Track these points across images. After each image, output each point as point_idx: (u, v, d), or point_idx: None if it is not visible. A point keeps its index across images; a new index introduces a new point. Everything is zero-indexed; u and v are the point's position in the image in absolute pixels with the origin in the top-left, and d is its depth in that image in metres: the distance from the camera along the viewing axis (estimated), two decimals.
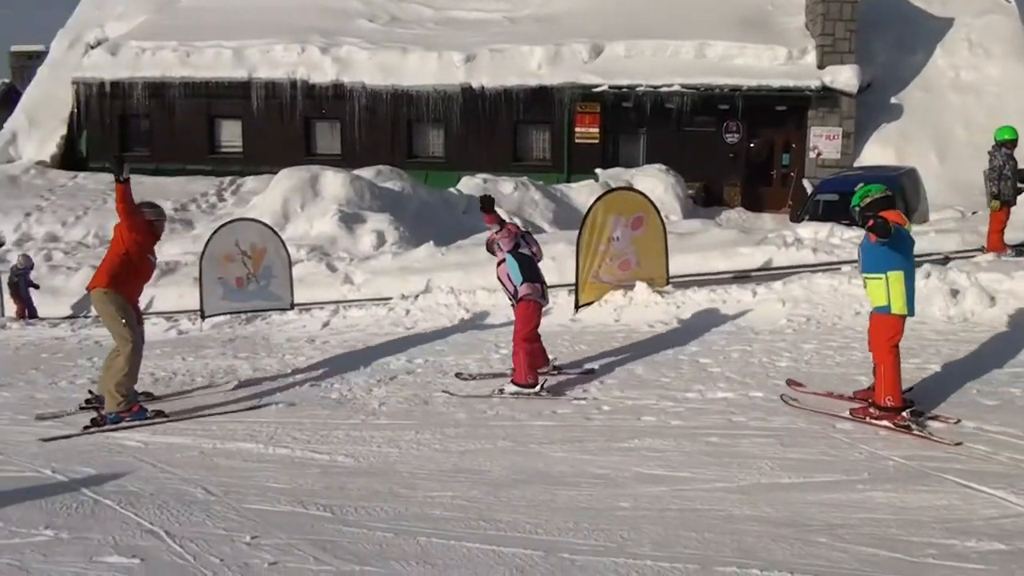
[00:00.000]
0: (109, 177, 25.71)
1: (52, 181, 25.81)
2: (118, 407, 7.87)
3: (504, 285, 8.31)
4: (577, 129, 27.56)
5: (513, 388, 8.16)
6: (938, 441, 6.52)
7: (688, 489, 5.93)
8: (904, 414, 6.81)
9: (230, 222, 14.61)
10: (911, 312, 6.86)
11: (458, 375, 9.04)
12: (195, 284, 13.91)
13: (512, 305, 8.32)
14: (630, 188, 15.49)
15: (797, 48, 26.65)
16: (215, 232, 13.84)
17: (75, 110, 29.07)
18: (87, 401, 8.44)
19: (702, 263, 13.00)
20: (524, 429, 7.36)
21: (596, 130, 27.50)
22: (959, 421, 6.89)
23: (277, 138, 27.89)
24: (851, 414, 7.11)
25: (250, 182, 25.18)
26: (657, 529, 5.31)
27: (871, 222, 6.44)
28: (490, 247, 8.50)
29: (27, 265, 16.67)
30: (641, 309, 11.32)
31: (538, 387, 8.08)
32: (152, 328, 12.97)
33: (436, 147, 28.60)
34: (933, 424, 6.87)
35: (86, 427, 7.85)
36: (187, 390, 9.28)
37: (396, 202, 20.74)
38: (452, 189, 23.09)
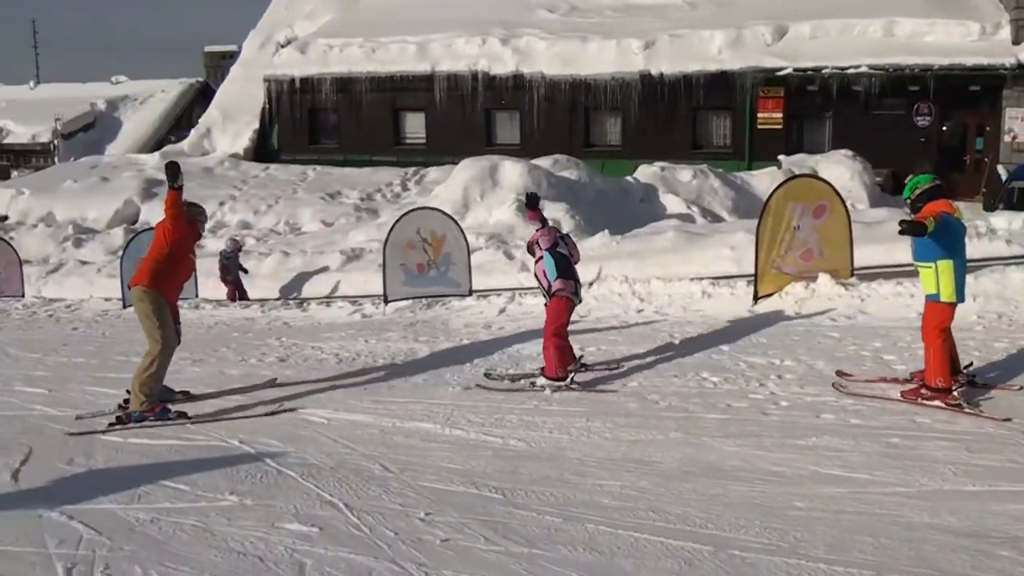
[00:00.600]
0: (301, 168, 27.06)
1: (245, 173, 27.32)
2: (141, 406, 7.92)
3: (540, 282, 8.48)
4: (759, 114, 26.80)
5: (543, 381, 8.28)
6: (988, 417, 6.75)
7: (866, 492, 5.68)
8: (954, 393, 7.02)
9: (412, 211, 15.08)
10: (960, 299, 7.05)
11: (486, 374, 8.97)
12: (379, 270, 14.42)
13: (545, 304, 8.49)
14: (813, 176, 14.93)
15: (990, 23, 24.93)
16: (398, 220, 14.32)
17: (266, 106, 30.65)
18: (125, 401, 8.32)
19: (888, 254, 12.38)
20: (697, 421, 7.25)
21: (779, 115, 26.65)
22: (1022, 388, 7.23)
23: (458, 129, 28.49)
24: (902, 396, 7.31)
25: (432, 172, 25.85)
26: (832, 532, 5.11)
27: (902, 226, 6.71)
28: (530, 247, 8.68)
29: (235, 248, 17.36)
30: (823, 301, 10.92)
31: (568, 379, 8.21)
32: (337, 312, 13.61)
33: (613, 135, 28.49)
34: (993, 392, 7.18)
35: (111, 424, 7.88)
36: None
37: (572, 191, 20.81)
38: (628, 178, 22.93)
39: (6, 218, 26.04)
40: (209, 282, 16.23)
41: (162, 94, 42.56)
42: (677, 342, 9.80)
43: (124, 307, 15.14)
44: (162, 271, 7.96)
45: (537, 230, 8.43)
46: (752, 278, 11.43)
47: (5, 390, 9.63)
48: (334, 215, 22.89)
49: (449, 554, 5.03)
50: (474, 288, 13.89)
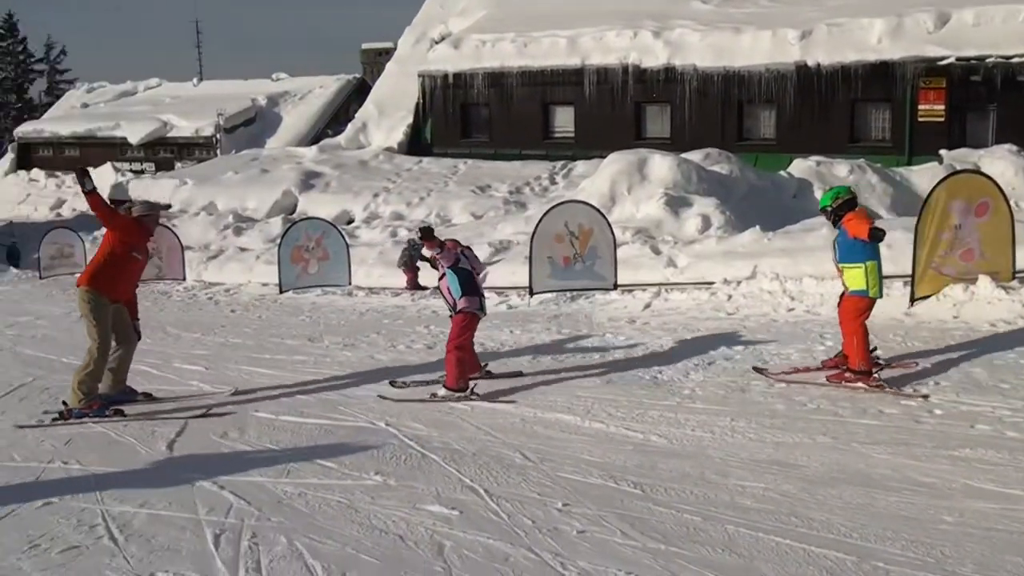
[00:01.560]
0: (452, 162, 27.54)
1: (399, 166, 28.00)
2: (79, 403, 8.02)
3: (445, 298, 8.62)
4: (920, 106, 25.55)
5: (444, 392, 8.26)
6: (909, 395, 7.60)
7: (1020, 509, 5.36)
8: (875, 375, 7.85)
9: (560, 204, 15.12)
10: (881, 295, 7.98)
11: (391, 383, 8.90)
12: (525, 262, 14.54)
13: (450, 316, 8.58)
14: (976, 171, 14.17)
15: None
16: (546, 213, 14.40)
17: (420, 101, 31.29)
18: (145, 395, 8.72)
19: None
20: (846, 426, 7.01)
21: (941, 107, 25.33)
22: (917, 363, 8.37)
23: (608, 123, 28.37)
24: (828, 379, 8.05)
25: (580, 166, 25.84)
26: (982, 549, 4.86)
27: (872, 234, 7.47)
28: (433, 263, 8.80)
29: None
30: (983, 305, 10.37)
31: (468, 390, 8.22)
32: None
33: (767, 129, 27.76)
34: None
35: (54, 419, 8.04)
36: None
37: (723, 186, 20.42)
38: (782, 172, 22.32)
39: (170, 206, 27.49)
40: (361, 270, 16.73)
41: (320, 90, 44.13)
42: (828, 343, 9.50)
43: (281, 292, 15.79)
44: (103, 272, 8.11)
45: (436, 254, 8.39)
46: (909, 279, 10.95)
47: (165, 367, 10.24)
48: (483, 208, 23.20)
49: (585, 546, 5.04)
50: (619, 282, 13.83)
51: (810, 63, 26.05)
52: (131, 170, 42.21)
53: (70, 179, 43.72)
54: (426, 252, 8.74)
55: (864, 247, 7.76)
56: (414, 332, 11.68)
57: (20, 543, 5.47)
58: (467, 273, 8.42)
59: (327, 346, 11.09)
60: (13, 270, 22.48)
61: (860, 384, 7.80)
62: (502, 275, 15.62)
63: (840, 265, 8.06)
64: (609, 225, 14.25)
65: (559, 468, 6.28)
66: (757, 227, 15.71)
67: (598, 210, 14.71)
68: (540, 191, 24.60)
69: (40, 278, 20.04)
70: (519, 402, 8.01)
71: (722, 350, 9.66)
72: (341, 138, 32.19)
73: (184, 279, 18.51)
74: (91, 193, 7.98)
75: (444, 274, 8.46)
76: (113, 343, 8.26)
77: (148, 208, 8.66)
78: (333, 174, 27.22)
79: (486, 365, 9.00)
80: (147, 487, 6.31)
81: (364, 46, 58.45)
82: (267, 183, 27.08)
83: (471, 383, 8.34)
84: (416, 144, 31.33)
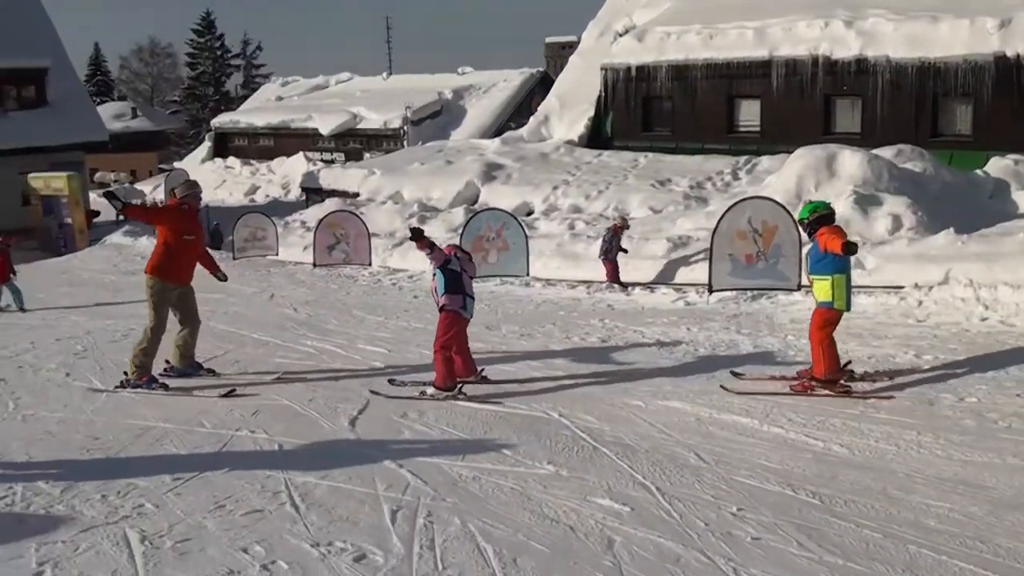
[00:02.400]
0: (632, 155, 27.34)
1: (578, 159, 28.01)
2: (133, 375, 8.95)
3: (434, 298, 8.79)
4: None
5: (432, 390, 8.41)
6: (875, 396, 7.85)
7: None
8: (841, 381, 8.07)
9: (744, 199, 14.78)
10: (848, 308, 8.19)
11: (390, 381, 8.97)
12: (705, 258, 14.31)
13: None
14: None
15: None
16: (729, 209, 14.10)
17: (602, 94, 31.16)
18: (209, 371, 9.45)
19: None
20: None
21: None
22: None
23: (795, 117, 27.44)
24: (792, 389, 8.15)
25: (765, 161, 25.12)
26: None
27: (846, 248, 7.49)
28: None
29: (622, 227, 16.77)
30: None
31: (456, 390, 8.34)
32: (661, 298, 13.70)
33: (963, 124, 26.08)
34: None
35: (116, 387, 8.94)
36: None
37: (916, 184, 19.37)
38: (978, 171, 20.97)
39: (358, 195, 28.56)
40: (539, 261, 16.89)
41: (504, 83, 44.78)
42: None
43: None
44: (163, 262, 8.96)
45: (428, 254, 8.52)
46: None
47: (350, 347, 10.68)
48: (663, 202, 22.91)
49: (759, 553, 4.93)
50: (803, 283, 13.39)
51: (1009, 53, 24.28)
52: (322, 160, 44.23)
53: (264, 167, 46.28)
54: (418, 251, 8.91)
55: (833, 260, 7.95)
56: (588, 325, 11.70)
57: (206, 503, 5.86)
58: (454, 274, 8.54)
59: (504, 334, 11.27)
60: (209, 251, 24.04)
61: (827, 392, 7.99)
62: (680, 271, 15.42)
63: (810, 276, 8.33)
64: (795, 223, 13.79)
65: (735, 471, 6.16)
66: (951, 229, 14.86)
67: (784, 207, 14.28)
68: (722, 186, 24.06)
69: (233, 259, 21.23)
70: (695, 401, 7.90)
71: (910, 358, 9.22)
72: (523, 131, 32.52)
73: (370, 264, 19.21)
74: (125, 207, 9.06)
75: (434, 274, 8.66)
76: (179, 324, 9.22)
77: (189, 188, 9.40)
78: (514, 166, 27.55)
79: (482, 370, 8.97)
80: (329, 460, 6.63)
81: (548, 40, 58.91)
82: (451, 174, 27.69)
83: (460, 384, 8.43)
84: (596, 137, 31.26)
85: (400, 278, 17.40)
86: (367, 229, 19.98)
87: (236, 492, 6.04)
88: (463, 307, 8.54)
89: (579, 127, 31.26)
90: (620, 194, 23.70)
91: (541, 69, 47.16)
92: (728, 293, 13.30)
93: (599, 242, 16.19)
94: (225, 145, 51.49)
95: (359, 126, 44.51)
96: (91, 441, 7.37)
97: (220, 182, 45.65)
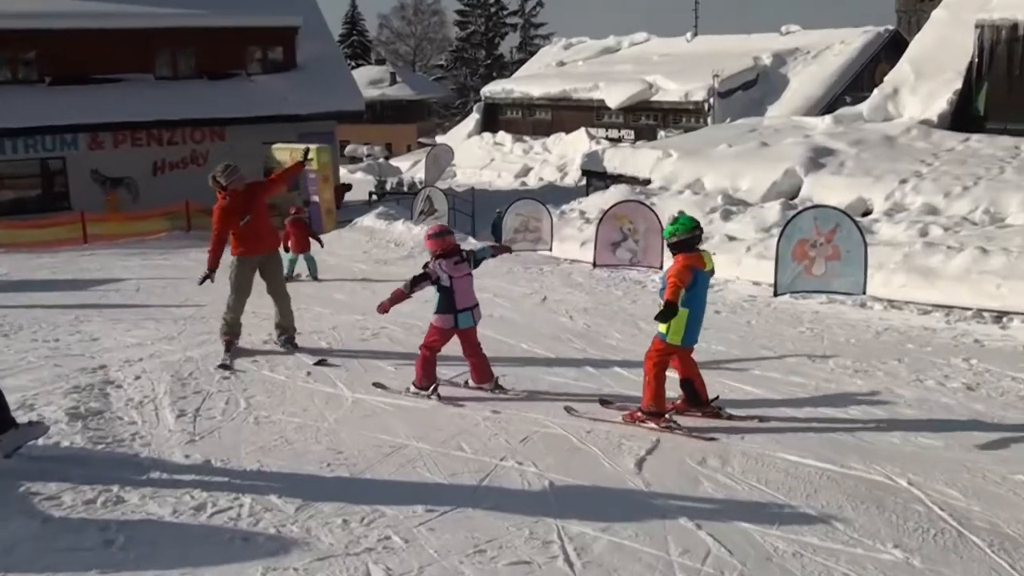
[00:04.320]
0: (1013, 141, 25.66)
1: (937, 144, 26.60)
2: (222, 337, 11.39)
3: None
4: None
5: (413, 389, 9.63)
6: (698, 438, 8.27)
7: None
8: (666, 416, 8.67)
9: None
10: (687, 343, 8.82)
11: (375, 384, 9.98)
12: None
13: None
14: None
15: None
16: None
17: (975, 60, 29.44)
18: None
19: None
20: None
21: None
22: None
23: None
24: (623, 419, 8.83)
25: None
26: None
27: (663, 311, 8.29)
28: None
29: None
30: None
31: (430, 390, 9.50)
32: None
33: None
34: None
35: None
36: None
37: None
38: None
39: (649, 181, 28.60)
40: (879, 275, 16.13)
41: (841, 46, 43.44)
42: None
43: (775, 294, 15.70)
44: (239, 244, 11.21)
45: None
46: None
47: (634, 369, 10.57)
48: None
49: None
50: None
51: None
52: (607, 137, 44.90)
53: (539, 144, 47.50)
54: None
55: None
56: (948, 365, 10.97)
57: (464, 545, 5.98)
58: (446, 291, 9.47)
59: (831, 369, 10.80)
60: (471, 240, 24.69)
61: (651, 424, 8.61)
62: None
63: (659, 301, 8.76)
64: None
65: None
66: None
67: None
68: None
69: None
70: None
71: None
72: (863, 107, 31.33)
73: (661, 267, 19.11)
74: (211, 257, 11.15)
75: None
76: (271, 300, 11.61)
77: (230, 174, 11.18)
78: (849, 152, 26.60)
79: (501, 376, 9.86)
80: (610, 508, 6.61)
81: None
82: (766, 160, 27.18)
83: (435, 386, 9.53)
84: (963, 117, 29.57)
85: None
86: (660, 224, 19.91)
87: (499, 535, 6.11)
88: (455, 324, 9.51)
89: (939, 103, 29.72)
90: (993, 192, 22.23)
91: (890, 27, 45.30)
92: None
93: None
94: (495, 118, 53.48)
95: (654, 98, 44.78)
96: (333, 455, 7.75)
97: (487, 160, 47.42)
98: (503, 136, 50.58)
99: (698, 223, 8.82)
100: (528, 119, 51.85)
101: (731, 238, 21.09)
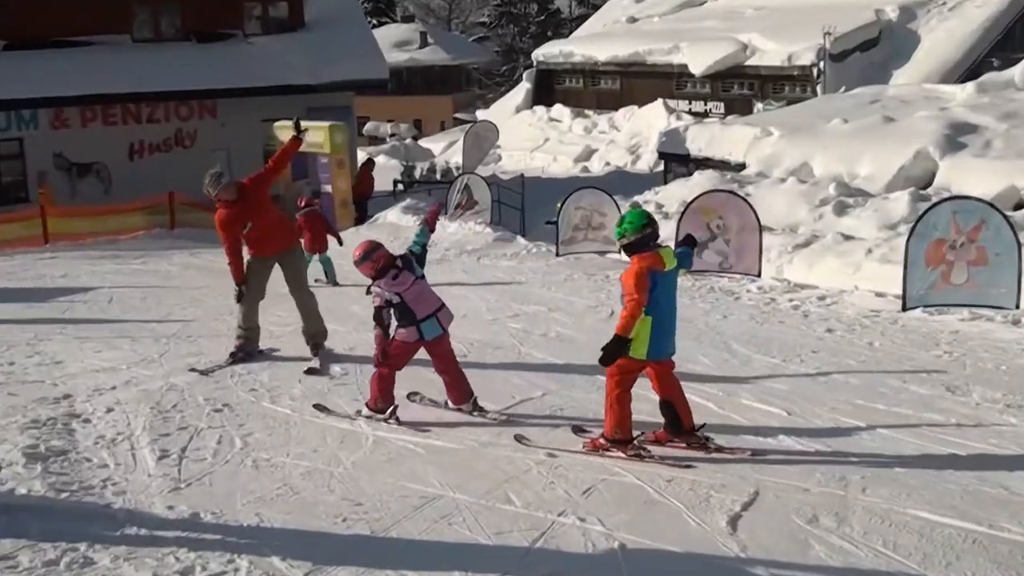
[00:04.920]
0: None
1: None
2: (237, 338, 12.40)
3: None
4: None
5: (366, 412, 10.22)
6: (671, 465, 8.71)
7: None
8: (635, 442, 9.02)
9: None
10: (655, 356, 9.04)
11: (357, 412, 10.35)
12: None
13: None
14: None
15: None
16: None
17: None
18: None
19: None
20: None
21: None
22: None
23: None
24: (584, 447, 9.22)
25: None
26: None
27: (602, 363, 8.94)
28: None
29: None
30: None
31: (387, 414, 10.07)
32: None
33: None
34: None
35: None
36: None
37: None
38: None
39: (744, 166, 28.45)
40: None
41: None
42: None
43: (904, 308, 15.56)
44: (253, 247, 12.29)
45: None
46: None
47: (727, 402, 10.65)
48: None
49: None
50: None
51: None
52: (690, 111, 44.77)
53: (605, 120, 47.34)
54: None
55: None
56: None
57: None
58: (400, 305, 10.05)
59: (976, 403, 10.71)
60: (521, 240, 24.64)
61: (618, 453, 8.94)
62: None
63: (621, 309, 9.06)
64: None
65: None
66: None
67: None
68: None
69: (556, 254, 21.70)
70: None
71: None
72: (1015, 71, 31.11)
73: (759, 275, 19.02)
74: (234, 271, 12.16)
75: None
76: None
77: (216, 182, 12.08)
78: (998, 128, 26.38)
79: (475, 398, 10.28)
80: None
81: None
82: (891, 138, 27.03)
83: (392, 409, 10.04)
84: None
85: (806, 298, 17.07)
86: (757, 220, 19.80)
87: None
88: (420, 336, 10.06)
89: None
90: None
91: None
92: None
93: None
94: (550, 88, 53.36)
95: (749, 62, 44.58)
96: (349, 507, 7.77)
97: (541, 141, 47.21)
98: (559, 110, 50.46)
99: (650, 217, 9.14)
100: (591, 89, 51.79)
101: (847, 237, 20.90)
